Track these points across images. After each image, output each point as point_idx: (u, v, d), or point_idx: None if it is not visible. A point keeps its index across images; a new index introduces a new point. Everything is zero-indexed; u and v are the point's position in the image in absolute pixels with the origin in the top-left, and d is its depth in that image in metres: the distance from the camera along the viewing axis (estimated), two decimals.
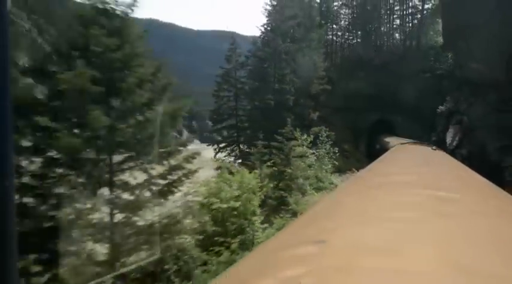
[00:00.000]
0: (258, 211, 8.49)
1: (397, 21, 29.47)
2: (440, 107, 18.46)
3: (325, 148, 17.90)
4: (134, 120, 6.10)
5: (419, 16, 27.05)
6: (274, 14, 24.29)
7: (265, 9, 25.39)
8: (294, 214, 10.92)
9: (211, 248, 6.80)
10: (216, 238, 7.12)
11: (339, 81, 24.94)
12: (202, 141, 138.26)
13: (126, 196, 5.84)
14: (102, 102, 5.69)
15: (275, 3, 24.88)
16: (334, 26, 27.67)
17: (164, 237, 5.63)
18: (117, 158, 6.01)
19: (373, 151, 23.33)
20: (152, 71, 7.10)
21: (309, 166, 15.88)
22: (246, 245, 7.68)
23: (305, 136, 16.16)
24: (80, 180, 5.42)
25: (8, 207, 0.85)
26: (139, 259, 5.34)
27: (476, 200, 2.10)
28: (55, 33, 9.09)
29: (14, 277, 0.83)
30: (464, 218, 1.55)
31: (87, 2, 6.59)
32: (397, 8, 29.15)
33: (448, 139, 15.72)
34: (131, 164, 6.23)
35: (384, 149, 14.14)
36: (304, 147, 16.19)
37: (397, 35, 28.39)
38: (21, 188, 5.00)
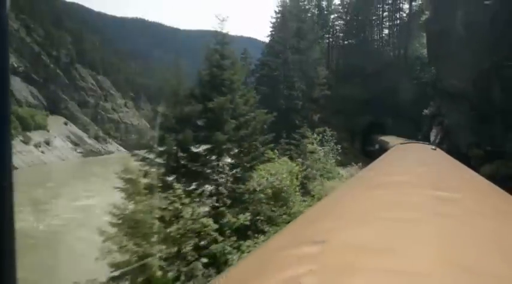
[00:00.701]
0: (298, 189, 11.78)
1: (387, 32, 33.25)
2: (425, 111, 22.20)
3: (329, 146, 21.28)
4: (245, 124, 9.47)
5: (406, 29, 30.89)
6: (279, 26, 27.53)
7: (270, 22, 28.61)
8: (312, 196, 14.18)
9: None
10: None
11: (337, 87, 28.45)
12: None
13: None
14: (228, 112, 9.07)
15: (279, 15, 28.14)
16: (330, 39, 31.09)
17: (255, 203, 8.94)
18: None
19: (367, 149, 26.99)
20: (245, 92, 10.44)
21: (319, 159, 19.25)
22: (291, 214, 10.97)
23: (315, 135, 19.51)
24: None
25: (6, 207, 0.82)
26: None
27: (477, 200, 2.11)
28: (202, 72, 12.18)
29: (13, 278, 0.80)
30: (464, 218, 1.54)
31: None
32: (386, 20, 32.94)
33: (432, 138, 19.31)
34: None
35: (384, 149, 14.76)
36: (314, 144, 19.56)
37: (387, 46, 32.11)
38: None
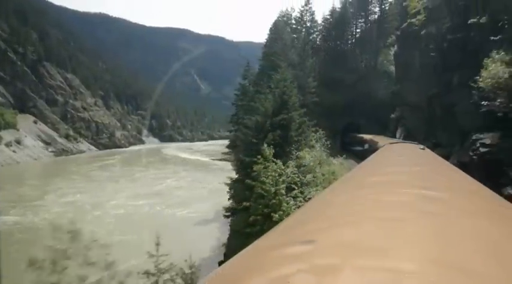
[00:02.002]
0: None
1: (361, 48, 41.10)
2: (392, 115, 30.09)
3: (321, 142, 28.22)
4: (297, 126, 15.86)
5: (375, 47, 38.81)
6: (272, 42, 34.07)
7: (265, 39, 35.04)
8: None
9: None
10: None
11: (322, 95, 35.66)
12: (162, 140, 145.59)
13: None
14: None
15: (273, 35, 34.78)
16: (314, 56, 38.30)
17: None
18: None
19: (345, 145, 34.54)
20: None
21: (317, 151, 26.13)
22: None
23: (313, 134, 26.32)
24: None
25: None
26: None
27: (464, 199, 2.16)
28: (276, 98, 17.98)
29: None
30: (452, 217, 1.58)
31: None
32: (359, 39, 40.77)
33: (397, 136, 27.10)
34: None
35: (374, 149, 15.69)
36: (313, 140, 26.40)
37: (360, 61, 39.96)
38: None
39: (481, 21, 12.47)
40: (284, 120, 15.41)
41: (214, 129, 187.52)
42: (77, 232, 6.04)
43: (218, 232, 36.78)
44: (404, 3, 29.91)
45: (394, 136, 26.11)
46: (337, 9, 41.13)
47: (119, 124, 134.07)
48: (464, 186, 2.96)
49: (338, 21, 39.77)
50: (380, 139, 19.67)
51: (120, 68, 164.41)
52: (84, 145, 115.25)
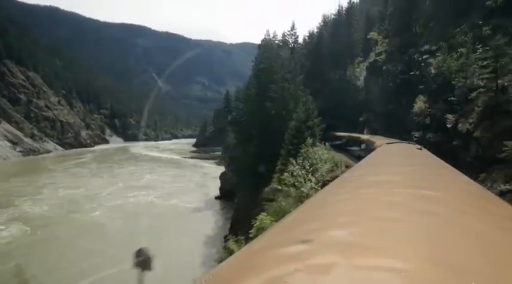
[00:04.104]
0: None
1: (334, 64, 53.89)
2: (361, 118, 42.99)
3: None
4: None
5: (344, 63, 51.77)
6: (265, 60, 45.38)
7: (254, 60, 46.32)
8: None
9: None
10: None
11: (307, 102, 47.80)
12: (126, 139, 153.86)
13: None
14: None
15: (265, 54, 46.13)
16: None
17: None
18: None
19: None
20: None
21: None
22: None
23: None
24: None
25: None
26: None
27: (459, 199, 2.24)
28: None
29: None
30: (446, 216, 1.63)
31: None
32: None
33: (364, 133, 39.74)
34: None
35: (371, 149, 16.01)
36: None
37: (335, 75, 52.67)
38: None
39: (416, 73, 25.14)
40: (311, 125, 26.73)
41: (177, 128, 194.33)
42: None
43: (218, 215, 47.57)
44: (368, 36, 43.28)
45: (362, 134, 38.64)
46: (315, 33, 54.12)
47: (83, 123, 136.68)
48: (459, 185, 3.09)
49: (315, 42, 52.47)
50: (377, 140, 20.61)
51: (77, 65, 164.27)
52: (50, 144, 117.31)
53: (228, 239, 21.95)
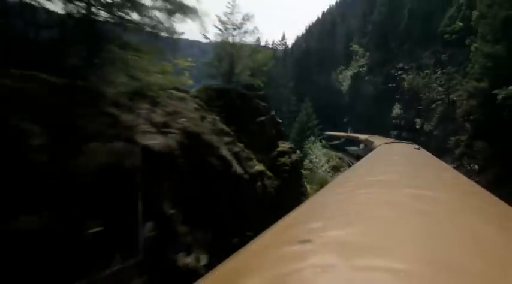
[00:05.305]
0: None
1: (320, 69, 61.38)
2: (345, 119, 50.59)
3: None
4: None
5: (329, 70, 59.40)
6: None
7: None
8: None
9: None
10: None
11: (298, 105, 54.89)
12: None
13: None
14: None
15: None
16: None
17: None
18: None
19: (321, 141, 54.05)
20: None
21: None
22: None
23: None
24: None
25: None
26: None
27: (457, 199, 2.25)
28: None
29: None
30: (445, 217, 1.64)
31: None
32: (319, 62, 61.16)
33: (348, 132, 47.24)
34: None
35: (369, 149, 16.76)
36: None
37: (322, 82, 60.15)
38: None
39: (393, 85, 32.74)
40: (311, 126, 33.71)
41: None
42: None
43: None
44: (350, 48, 51.02)
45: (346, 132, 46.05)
46: (302, 41, 61.70)
47: None
48: (457, 185, 3.11)
49: (304, 50, 59.88)
50: (375, 139, 20.57)
51: None
52: None
53: None
